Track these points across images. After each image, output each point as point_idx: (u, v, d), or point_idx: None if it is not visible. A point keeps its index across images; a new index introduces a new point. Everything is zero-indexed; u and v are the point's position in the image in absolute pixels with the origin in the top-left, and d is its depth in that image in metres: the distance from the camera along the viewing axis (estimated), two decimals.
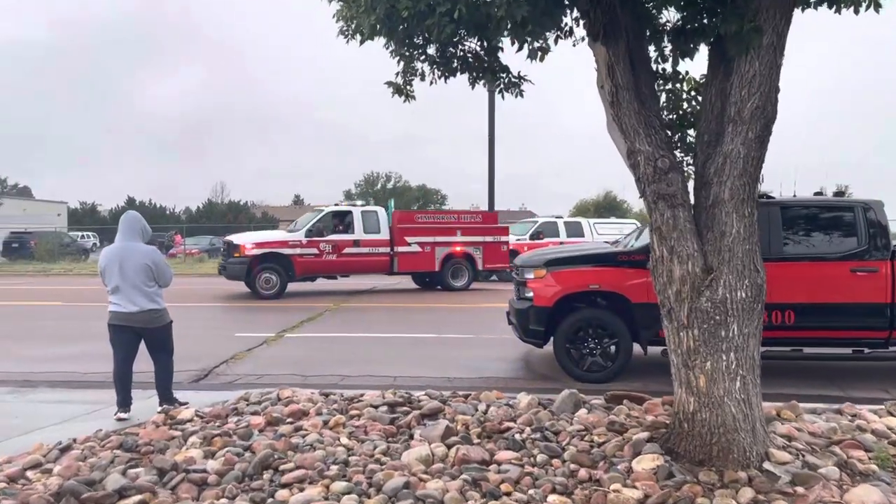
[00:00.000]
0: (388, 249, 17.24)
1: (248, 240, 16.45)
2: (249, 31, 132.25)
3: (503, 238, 18.27)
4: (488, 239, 17.90)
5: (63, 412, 6.10)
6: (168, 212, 74.26)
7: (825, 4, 4.21)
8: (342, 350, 9.42)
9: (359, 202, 18.83)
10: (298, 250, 16.19)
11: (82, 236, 44.73)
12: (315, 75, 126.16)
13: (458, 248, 17.61)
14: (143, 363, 6.04)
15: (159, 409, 5.68)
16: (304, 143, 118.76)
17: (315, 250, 16.37)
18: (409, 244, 17.33)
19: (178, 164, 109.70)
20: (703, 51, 4.75)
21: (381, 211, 17.72)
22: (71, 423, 5.72)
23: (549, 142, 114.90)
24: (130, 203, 69.03)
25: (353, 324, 11.94)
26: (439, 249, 17.50)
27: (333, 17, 4.93)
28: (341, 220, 17.12)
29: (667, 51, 4.94)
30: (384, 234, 17.27)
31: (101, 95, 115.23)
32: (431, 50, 5.24)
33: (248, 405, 5.86)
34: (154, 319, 5.73)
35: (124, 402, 5.67)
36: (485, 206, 24.56)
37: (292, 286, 16.67)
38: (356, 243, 16.86)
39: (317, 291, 17.44)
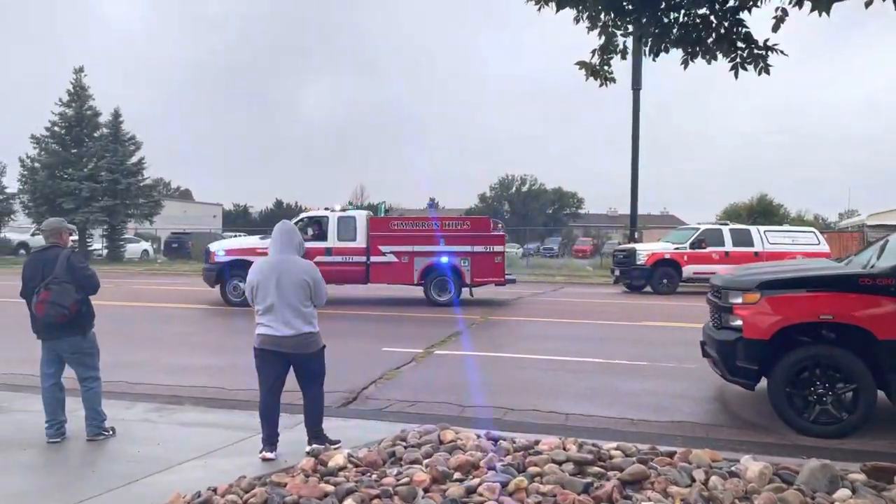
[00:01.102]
0: (363, 259, 15.80)
1: (219, 247, 16.31)
2: (393, 40, 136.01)
3: (496, 248, 15.83)
4: (478, 249, 15.58)
5: (206, 441, 5.52)
6: (303, 211, 77.54)
7: None
8: (497, 374, 8.43)
9: (337, 207, 16.68)
10: None
11: (235, 237, 47.03)
12: (452, 82, 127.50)
13: (442, 259, 15.54)
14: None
15: (308, 448, 4.94)
16: (441, 147, 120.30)
17: None
18: (383, 254, 15.73)
19: (322, 167, 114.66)
20: None
21: (359, 217, 16.23)
22: (212, 458, 5.11)
23: (692, 142, 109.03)
24: (278, 206, 72.46)
25: (504, 340, 10.96)
26: (418, 260, 15.63)
27: None
28: (318, 227, 16.04)
29: None
30: (360, 243, 15.85)
31: (256, 102, 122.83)
32: (645, 18, 4.12)
33: (406, 448, 4.99)
34: (309, 344, 4.99)
35: (270, 440, 4.96)
36: (624, 210, 23.05)
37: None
38: (328, 251, 15.59)
39: (463, 300, 16.65)
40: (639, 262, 19.66)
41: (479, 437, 5.24)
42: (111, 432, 5.59)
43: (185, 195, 77.99)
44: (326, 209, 16.70)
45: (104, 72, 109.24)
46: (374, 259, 15.78)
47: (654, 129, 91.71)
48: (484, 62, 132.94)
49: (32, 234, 38.68)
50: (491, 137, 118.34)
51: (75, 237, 36.01)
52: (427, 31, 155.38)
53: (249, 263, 16.64)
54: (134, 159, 34.35)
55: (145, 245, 38.97)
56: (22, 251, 38.18)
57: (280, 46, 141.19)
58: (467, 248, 15.53)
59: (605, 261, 30.93)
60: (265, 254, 16.49)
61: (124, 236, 35.50)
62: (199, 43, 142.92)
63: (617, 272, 20.82)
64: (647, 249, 20.05)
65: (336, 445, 5.01)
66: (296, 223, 16.04)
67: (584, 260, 38.34)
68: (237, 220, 76.17)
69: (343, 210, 16.51)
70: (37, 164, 33.79)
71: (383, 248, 15.71)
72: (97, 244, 35.70)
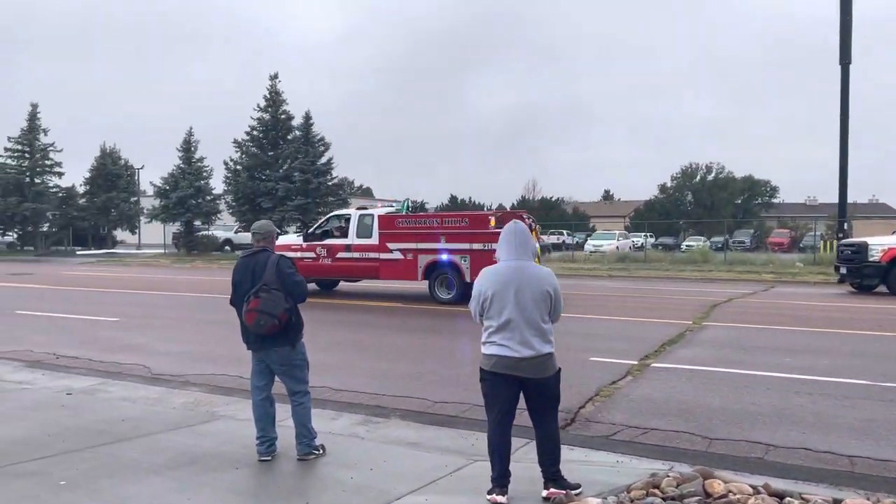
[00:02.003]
0: (377, 255, 16.07)
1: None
2: (567, 30, 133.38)
3: (495, 245, 13.25)
4: (476, 246, 14.91)
5: (421, 468, 4.90)
6: (486, 209, 77.96)
7: None
8: (735, 396, 7.12)
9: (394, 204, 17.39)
10: (299, 254, 16.47)
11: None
12: (629, 67, 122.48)
13: (443, 257, 15.27)
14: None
15: (545, 493, 4.13)
16: (617, 136, 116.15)
17: (312, 254, 16.68)
18: (390, 251, 15.87)
19: (495, 161, 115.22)
20: None
21: (375, 215, 16.54)
22: (433, 493, 4.44)
23: None
24: (453, 201, 73.60)
25: (730, 352, 9.50)
26: (422, 257, 15.52)
27: None
28: (343, 224, 16.91)
29: None
30: (374, 240, 16.14)
31: (431, 100, 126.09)
32: None
33: (665, 501, 4.02)
34: (548, 367, 4.15)
35: (501, 480, 4.17)
36: (826, 199, 20.33)
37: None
38: (348, 248, 16.43)
39: (680, 297, 15.20)
40: (872, 259, 16.96)
41: (756, 490, 4.14)
42: (321, 451, 5.15)
43: (366, 193, 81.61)
44: (359, 208, 17.80)
45: (295, 77, 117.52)
46: (382, 256, 16.03)
47: (863, 107, 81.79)
48: (668, 44, 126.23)
49: (235, 232, 42.15)
50: (673, 124, 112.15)
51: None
52: (604, 14, 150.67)
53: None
54: (323, 160, 36.08)
55: None
56: (227, 247, 41.72)
57: (455, 43, 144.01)
58: (466, 246, 15.10)
59: (822, 256, 27.45)
60: (300, 250, 16.22)
61: None
62: (380, 45, 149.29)
63: (843, 270, 18.14)
64: (882, 244, 17.23)
65: (576, 491, 4.15)
66: (324, 221, 17.70)
67: (787, 254, 34.54)
68: None
69: (387, 206, 17.60)
70: (238, 167, 36.53)
71: (391, 246, 15.94)
72: None
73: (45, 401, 6.98)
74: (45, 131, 44.46)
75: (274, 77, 36.17)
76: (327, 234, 17.08)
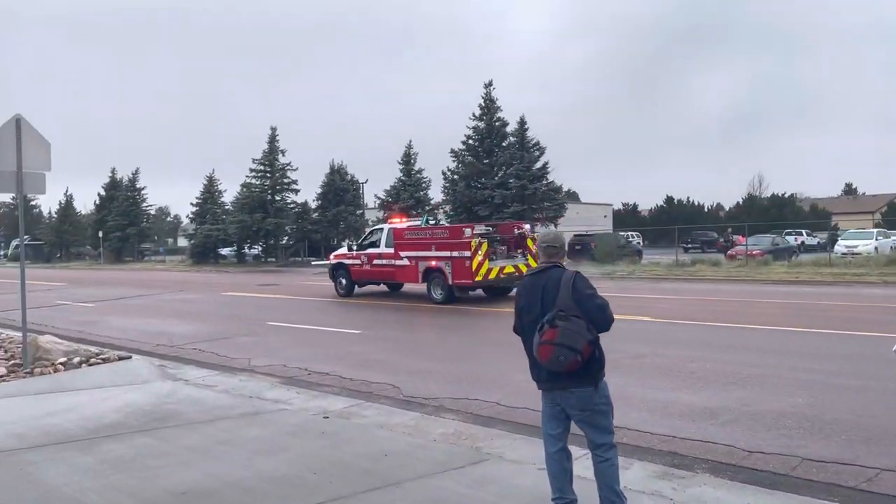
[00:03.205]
0: (394, 262, 19.03)
1: (334, 252, 22.70)
2: (791, 8, 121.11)
3: (465, 253, 16.87)
4: (454, 254, 17.20)
5: None
6: (706, 209, 72.38)
7: None
8: None
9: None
10: (350, 260, 20.58)
11: (628, 238, 45.57)
12: (867, 49, 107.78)
13: (433, 263, 17.76)
14: None
15: None
16: (855, 123, 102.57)
17: (359, 261, 20.25)
18: (402, 258, 18.71)
19: (711, 159, 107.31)
20: None
21: (393, 228, 19.47)
22: None
23: None
24: (669, 202, 69.39)
25: None
26: (421, 263, 18.12)
27: None
28: (378, 237, 20.17)
29: None
30: (392, 249, 19.10)
31: (644, 97, 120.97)
32: None
33: None
34: None
35: None
36: None
37: None
38: (380, 256, 19.66)
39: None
40: None
41: None
42: None
43: (572, 197, 79.78)
44: (390, 221, 21.05)
45: (508, 81, 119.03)
46: (397, 262, 18.96)
47: None
48: None
49: None
50: None
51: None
52: None
53: (344, 265, 21.26)
54: (539, 164, 35.29)
55: None
56: None
57: (669, 36, 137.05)
58: (448, 254, 17.34)
59: None
60: (350, 257, 21.37)
61: None
62: (593, 45, 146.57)
63: None
64: None
65: None
66: (368, 234, 21.91)
67: None
68: (626, 219, 75.25)
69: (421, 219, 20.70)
70: (455, 176, 36.96)
71: (401, 254, 18.77)
72: None
73: (303, 425, 6.64)
74: (283, 152, 48.60)
75: (488, 85, 36.12)
76: (371, 245, 20.31)
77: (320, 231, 51.71)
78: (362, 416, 6.98)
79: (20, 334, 12.88)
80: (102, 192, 65.12)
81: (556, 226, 35.81)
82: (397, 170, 42.16)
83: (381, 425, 6.61)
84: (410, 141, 41.64)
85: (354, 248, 20.92)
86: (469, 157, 36.77)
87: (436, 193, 41.19)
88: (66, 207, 69.62)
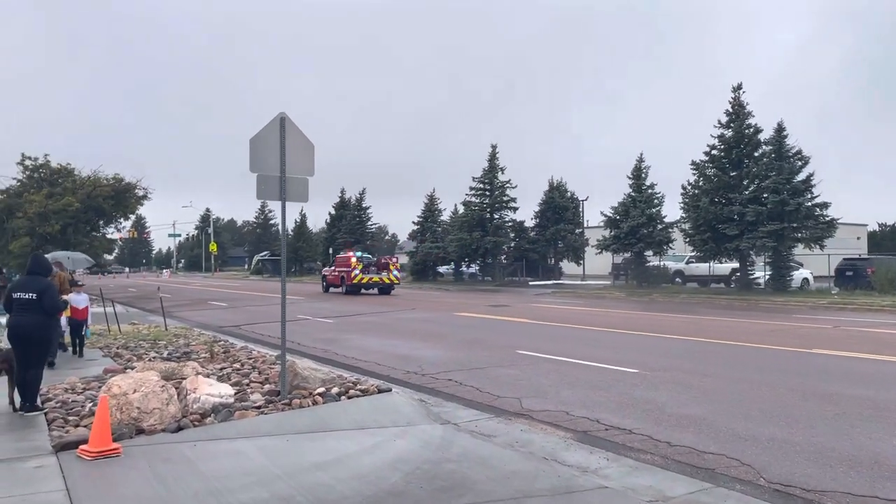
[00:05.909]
0: (339, 273, 37.17)
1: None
2: None
3: (343, 269, 36.39)
4: (342, 269, 36.33)
5: None
6: None
7: None
8: None
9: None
10: (328, 271, 40.42)
11: None
12: None
13: (343, 275, 36.09)
14: None
15: None
16: None
17: (335, 272, 38.04)
18: (338, 272, 37.14)
19: None
20: None
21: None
22: None
23: None
24: None
25: None
26: (343, 276, 35.89)
27: None
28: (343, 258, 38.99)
29: None
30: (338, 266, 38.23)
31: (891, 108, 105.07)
32: None
33: None
34: None
35: None
36: None
37: None
38: (338, 270, 37.42)
39: None
40: None
41: None
42: None
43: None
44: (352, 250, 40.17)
45: (763, 86, 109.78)
46: (337, 273, 37.23)
47: None
48: None
49: (686, 262, 38.87)
50: None
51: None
52: None
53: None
54: (801, 176, 30.43)
55: (805, 273, 34.49)
56: (677, 279, 38.67)
57: None
58: (344, 269, 35.84)
59: None
60: (329, 270, 46.13)
61: (790, 263, 31.83)
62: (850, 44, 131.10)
63: None
64: None
65: None
66: (338, 256, 40.79)
67: None
68: (883, 242, 64.89)
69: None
70: (696, 191, 33.23)
71: (337, 269, 37.52)
72: (758, 272, 32.98)
73: None
74: (503, 170, 47.84)
75: (737, 88, 31.95)
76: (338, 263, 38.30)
77: (538, 250, 50.14)
78: None
79: (272, 352, 12.47)
80: (333, 211, 69.41)
81: (822, 248, 30.55)
82: (626, 184, 39.25)
83: None
84: (641, 154, 38.53)
85: (329, 266, 40.60)
86: (712, 169, 32.86)
87: (668, 210, 37.57)
88: (301, 225, 75.30)
